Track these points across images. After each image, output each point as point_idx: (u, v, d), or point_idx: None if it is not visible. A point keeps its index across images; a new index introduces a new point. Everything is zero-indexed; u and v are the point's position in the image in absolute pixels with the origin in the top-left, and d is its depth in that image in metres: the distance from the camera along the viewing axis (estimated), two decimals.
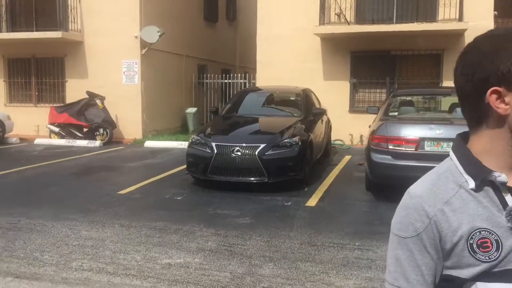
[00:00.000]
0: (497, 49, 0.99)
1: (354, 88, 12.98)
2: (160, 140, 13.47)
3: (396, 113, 7.74)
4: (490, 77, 0.98)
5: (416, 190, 1.08)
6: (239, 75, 15.81)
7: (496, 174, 1.00)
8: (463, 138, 1.11)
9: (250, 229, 5.62)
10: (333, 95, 12.64)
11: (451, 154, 1.10)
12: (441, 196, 1.04)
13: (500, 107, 0.99)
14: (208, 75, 16.24)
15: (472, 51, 1.03)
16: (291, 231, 5.52)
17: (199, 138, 7.87)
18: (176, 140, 13.30)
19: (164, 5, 14.86)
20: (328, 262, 4.58)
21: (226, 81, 15.88)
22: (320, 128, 9.42)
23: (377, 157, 6.67)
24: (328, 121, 10.80)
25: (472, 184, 1.03)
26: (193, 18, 16.79)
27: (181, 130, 15.46)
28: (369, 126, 7.86)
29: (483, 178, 1.02)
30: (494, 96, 0.98)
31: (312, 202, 6.86)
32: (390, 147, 6.58)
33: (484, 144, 1.04)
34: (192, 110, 15.35)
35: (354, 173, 9.06)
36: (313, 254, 4.79)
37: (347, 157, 10.83)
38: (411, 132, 6.57)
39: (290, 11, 13.06)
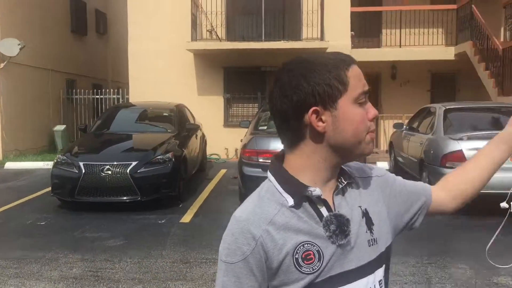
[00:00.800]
0: (311, 72, 1.06)
1: (228, 103, 13.26)
2: (23, 160, 12.43)
3: (265, 127, 8.04)
4: (307, 98, 1.05)
5: (241, 214, 1.09)
6: (111, 90, 15.22)
7: (311, 189, 1.06)
8: (278, 159, 1.16)
9: (121, 251, 5.40)
10: (208, 110, 12.78)
11: (269, 175, 1.14)
12: (264, 217, 1.06)
13: (319, 125, 1.05)
14: (78, 91, 15.40)
15: (287, 75, 1.08)
16: (164, 250, 5.42)
17: (65, 157, 7.42)
18: (42, 160, 12.38)
19: (26, 16, 13.82)
20: (199, 278, 4.57)
21: (97, 96, 15.19)
22: (194, 143, 9.44)
23: (248, 170, 6.86)
24: (203, 136, 10.87)
25: (291, 201, 1.07)
26: (59, 30, 15.85)
27: (49, 150, 14.42)
28: (241, 140, 8.06)
29: (300, 194, 1.07)
30: (314, 116, 1.05)
31: (187, 218, 6.82)
32: (260, 160, 6.81)
33: (302, 161, 1.09)
34: (60, 127, 14.39)
35: (228, 186, 9.20)
36: (185, 272, 4.75)
37: (223, 171, 10.98)
38: (279, 145, 6.84)
39: (161, 27, 12.96)
